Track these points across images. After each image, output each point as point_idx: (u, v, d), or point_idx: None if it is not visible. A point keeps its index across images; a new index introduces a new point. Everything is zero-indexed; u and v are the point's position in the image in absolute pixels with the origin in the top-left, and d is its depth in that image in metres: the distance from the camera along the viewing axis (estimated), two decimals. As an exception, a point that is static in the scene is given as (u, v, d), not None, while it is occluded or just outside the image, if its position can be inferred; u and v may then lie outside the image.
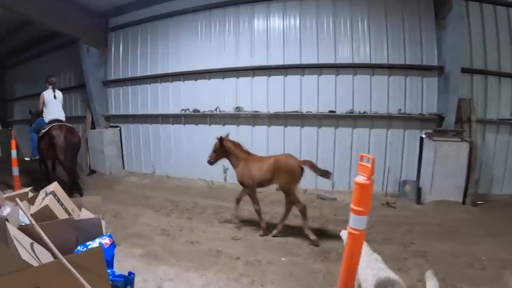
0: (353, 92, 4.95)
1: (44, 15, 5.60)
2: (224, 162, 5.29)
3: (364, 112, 4.88)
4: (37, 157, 5.04)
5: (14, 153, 5.56)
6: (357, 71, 4.93)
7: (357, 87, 4.95)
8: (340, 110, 4.97)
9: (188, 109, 5.93)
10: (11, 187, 5.11)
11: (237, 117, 5.44)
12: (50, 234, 1.63)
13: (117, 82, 6.94)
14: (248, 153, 3.62)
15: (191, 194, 5.08)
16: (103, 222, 2.24)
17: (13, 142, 5.62)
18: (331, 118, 5.00)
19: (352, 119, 4.96)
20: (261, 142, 5.29)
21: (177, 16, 5.97)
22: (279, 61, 5.14)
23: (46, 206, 2.10)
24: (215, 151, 3.69)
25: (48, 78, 5.09)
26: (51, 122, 4.72)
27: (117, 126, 7.05)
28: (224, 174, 5.55)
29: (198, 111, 5.80)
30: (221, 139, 3.59)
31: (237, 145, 3.64)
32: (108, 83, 7.07)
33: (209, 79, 5.67)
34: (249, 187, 3.45)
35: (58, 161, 4.74)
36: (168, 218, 4.04)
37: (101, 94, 7.04)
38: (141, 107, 6.64)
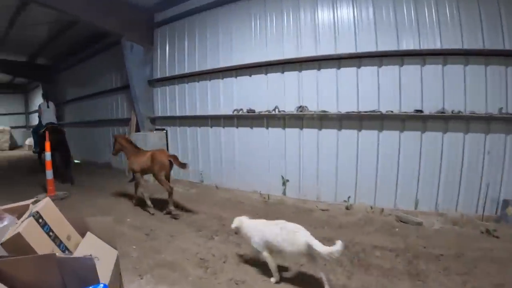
0: (443, 86, 4.50)
1: (85, 11, 6.38)
2: (283, 171, 5.50)
3: (459, 112, 4.41)
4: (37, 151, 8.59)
5: (48, 155, 6.41)
6: (447, 59, 4.49)
7: (447, 80, 4.50)
8: (428, 109, 4.58)
9: (241, 109, 6.10)
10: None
11: (300, 119, 5.38)
12: (21, 274, 1.43)
13: (163, 81, 7.52)
14: (137, 148, 5.60)
15: (242, 211, 4.98)
16: (99, 263, 1.81)
17: (47, 144, 6.44)
18: (416, 120, 4.61)
19: (443, 120, 4.52)
20: (329, 150, 5.12)
21: (227, 4, 6.21)
22: (350, 49, 4.92)
23: (18, 235, 1.78)
24: (114, 146, 5.77)
25: (43, 95, 8.97)
26: (47, 124, 7.65)
27: (163, 129, 7.58)
28: (283, 186, 5.53)
29: (253, 111, 5.92)
30: (115, 138, 5.77)
31: (129, 141, 5.71)
32: (154, 82, 7.69)
33: (266, 74, 5.75)
34: (136, 173, 5.32)
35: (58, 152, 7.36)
36: (211, 242, 3.89)
37: (146, 94, 7.67)
38: (188, 108, 7.07)
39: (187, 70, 6.96)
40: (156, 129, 7.73)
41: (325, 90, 5.10)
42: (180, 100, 7.25)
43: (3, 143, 17.53)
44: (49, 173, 6.17)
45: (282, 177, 5.47)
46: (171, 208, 4.84)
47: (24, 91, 20.54)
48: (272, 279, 2.88)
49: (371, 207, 4.61)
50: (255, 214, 4.77)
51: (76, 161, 10.49)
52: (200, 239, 3.96)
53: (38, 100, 14.80)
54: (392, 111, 4.66)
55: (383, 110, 4.71)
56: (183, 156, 7.17)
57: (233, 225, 3.20)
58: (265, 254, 2.89)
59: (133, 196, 5.56)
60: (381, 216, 4.50)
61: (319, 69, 5.14)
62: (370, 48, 4.77)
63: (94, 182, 7.52)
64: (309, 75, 5.24)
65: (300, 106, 5.36)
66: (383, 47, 4.70)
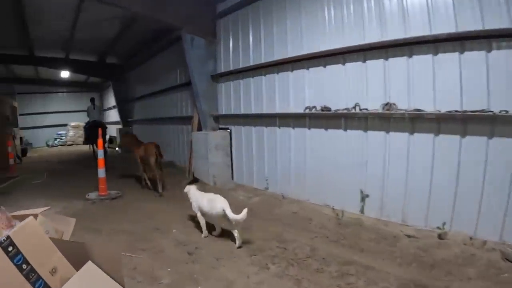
0: None
1: (140, 4, 6.96)
2: (362, 184, 5.07)
3: None
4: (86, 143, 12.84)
5: (100, 153, 7.25)
6: None
7: None
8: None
9: (314, 106, 5.85)
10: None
11: (387, 119, 4.85)
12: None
13: (227, 75, 7.76)
14: (139, 142, 8.01)
15: (309, 231, 4.79)
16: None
17: (100, 142, 7.28)
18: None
19: None
20: (422, 160, 4.45)
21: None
22: (448, 28, 4.23)
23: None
24: (121, 141, 8.66)
25: (91, 100, 12.92)
26: (93, 121, 11.81)
27: (227, 128, 7.77)
28: (361, 203, 5.11)
29: (329, 109, 5.60)
30: (122, 135, 9.18)
31: (133, 137, 8.32)
32: (217, 77, 8.00)
33: (344, 64, 5.38)
34: (139, 161, 7.73)
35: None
36: (265, 273, 3.58)
37: (209, 91, 8.03)
38: (254, 105, 7.14)
39: (252, 62, 7.04)
40: (220, 128, 7.94)
41: (419, 82, 4.48)
42: (245, 96, 7.37)
43: (78, 138, 21.41)
44: (101, 171, 6.97)
45: (361, 191, 5.07)
46: (160, 191, 7.22)
47: (98, 90, 24.38)
48: (202, 235, 4.62)
49: (471, 238, 3.94)
50: (324, 237, 4.52)
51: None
52: (251, 268, 3.71)
53: (111, 98, 18.65)
54: (507, 111, 3.86)
55: (495, 109, 3.93)
56: (247, 159, 7.36)
57: (185, 190, 5.01)
58: (199, 215, 4.66)
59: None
60: (483, 251, 3.77)
61: (410, 55, 4.54)
62: (476, 26, 4.03)
63: (151, 181, 8.11)
64: (397, 63, 4.68)
65: (387, 103, 4.83)
66: (492, 24, 3.93)
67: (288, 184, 6.42)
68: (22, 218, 2.06)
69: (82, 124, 20.26)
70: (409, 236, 4.25)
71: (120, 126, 17.33)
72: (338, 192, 5.42)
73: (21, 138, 16.74)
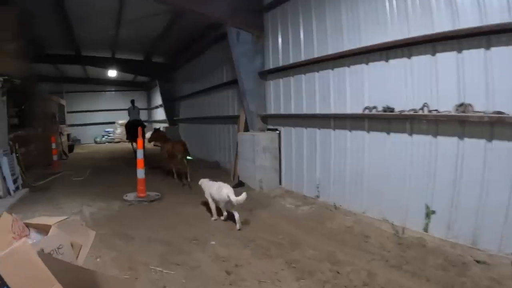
0: None
1: None
2: (428, 198, 4.70)
3: None
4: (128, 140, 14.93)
5: (140, 153, 7.46)
6: None
7: None
8: None
9: (375, 107, 5.57)
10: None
11: (461, 123, 4.43)
12: None
13: (276, 72, 7.73)
14: (167, 139, 9.67)
15: (366, 252, 4.44)
16: None
17: (139, 142, 7.49)
18: None
19: None
20: (501, 174, 3.98)
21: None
22: None
23: None
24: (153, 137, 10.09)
25: (131, 101, 15.19)
26: (133, 120, 14.09)
27: (275, 130, 7.70)
28: (425, 220, 4.74)
29: (392, 110, 5.27)
30: (154, 130, 10.50)
31: (163, 134, 10.18)
32: (266, 74, 8.00)
33: (410, 57, 5.04)
34: (166, 156, 9.05)
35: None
36: None
37: (257, 89, 8.07)
38: (306, 104, 7.03)
39: (304, 58, 6.92)
40: (268, 129, 7.88)
41: (500, 80, 4.06)
42: (296, 95, 7.28)
43: (125, 135, 22.51)
44: (140, 172, 7.25)
45: (426, 206, 4.71)
46: (186, 181, 8.58)
47: (146, 89, 26.57)
48: (212, 218, 5.90)
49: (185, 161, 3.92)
50: (383, 260, 4.19)
51: (188, 157, 12.19)
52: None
53: (158, 97, 20.00)
54: None
55: None
56: (297, 164, 7.32)
57: (199, 183, 6.34)
58: (210, 201, 5.89)
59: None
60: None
61: (487, 47, 4.13)
62: None
63: (194, 182, 8.15)
64: (473, 56, 4.26)
65: (461, 104, 4.40)
66: None
67: (341, 193, 6.20)
68: (37, 227, 2.03)
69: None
70: (479, 262, 3.86)
71: (166, 125, 18.18)
72: (399, 206, 5.10)
73: (68, 135, 18.31)
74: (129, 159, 13.12)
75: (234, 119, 9.58)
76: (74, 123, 23.42)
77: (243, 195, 5.20)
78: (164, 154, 9.37)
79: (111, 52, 15.39)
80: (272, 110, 7.95)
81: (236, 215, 5.34)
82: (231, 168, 9.25)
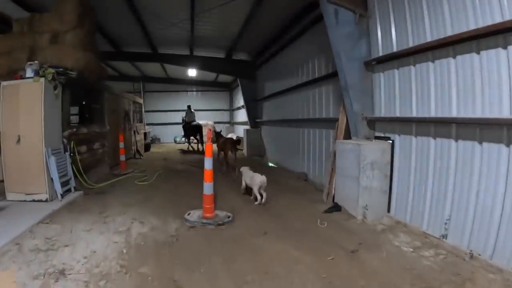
0: None
1: None
2: None
3: None
4: (186, 141, 20.41)
5: (209, 163, 5.91)
6: None
7: None
8: None
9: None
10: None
11: None
12: None
13: (389, 61, 6.01)
14: (220, 136, 12.53)
15: None
16: None
17: (207, 147, 5.96)
18: None
19: None
20: None
21: None
22: None
23: None
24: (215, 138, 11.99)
25: (188, 106, 20.05)
26: (189, 122, 18.99)
27: (387, 138, 6.06)
28: None
29: None
30: (216, 135, 12.46)
31: (220, 135, 12.73)
32: (373, 65, 6.34)
33: None
34: (218, 150, 11.35)
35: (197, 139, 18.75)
36: None
37: (362, 83, 6.39)
38: (435, 104, 5.14)
39: (430, 38, 5.07)
40: (376, 138, 6.18)
41: None
42: (418, 91, 5.44)
43: (204, 137, 23.44)
44: (208, 187, 5.87)
45: None
46: (234, 175, 9.65)
47: (228, 89, 26.92)
48: (256, 203, 7.00)
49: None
50: None
51: (271, 164, 13.23)
52: None
53: (240, 97, 20.45)
54: None
55: None
56: (417, 186, 5.55)
57: (241, 169, 7.80)
58: (243, 184, 7.53)
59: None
60: None
61: None
62: None
63: (277, 199, 7.25)
64: None
65: None
66: None
67: (485, 237, 4.24)
68: None
69: (211, 123, 23.54)
70: None
71: (247, 127, 17.42)
72: None
73: (145, 134, 18.75)
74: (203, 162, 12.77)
75: (329, 123, 8.07)
76: (155, 122, 25.09)
77: (264, 177, 6.96)
78: (217, 149, 11.24)
79: (189, 49, 15.17)
80: (382, 112, 6.18)
81: (264, 195, 6.97)
82: (324, 185, 7.56)
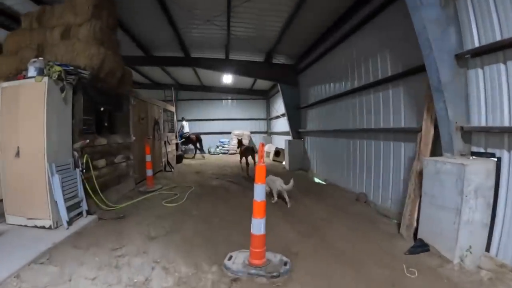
0: None
1: None
2: None
3: None
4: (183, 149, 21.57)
5: (260, 192, 4.46)
6: None
7: None
8: None
9: None
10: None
11: None
12: None
13: (490, 53, 4.66)
14: (242, 145, 13.75)
15: None
16: None
17: (257, 171, 4.53)
18: None
19: None
20: None
21: None
22: None
23: None
24: (238, 147, 13.95)
25: (182, 118, 22.27)
26: (185, 133, 20.90)
27: (490, 155, 4.66)
28: None
29: None
30: (239, 144, 13.91)
31: (242, 143, 14.12)
32: (466, 59, 4.98)
33: None
34: (242, 157, 13.02)
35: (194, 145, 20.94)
36: None
37: (453, 82, 4.97)
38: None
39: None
40: (473, 153, 4.79)
41: None
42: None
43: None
44: (258, 224, 4.39)
45: None
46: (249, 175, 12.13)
47: (265, 97, 25.80)
48: (273, 200, 8.07)
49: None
50: None
51: (317, 180, 12.07)
52: None
53: (278, 106, 19.96)
54: None
55: None
56: None
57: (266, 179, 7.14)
58: (266, 188, 6.41)
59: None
60: None
61: None
62: None
63: (337, 227, 6.17)
64: None
65: None
66: None
67: None
68: None
69: (247, 133, 23.43)
70: None
71: (289, 138, 15.98)
72: None
73: (176, 144, 18.08)
74: (242, 178, 12.31)
75: (399, 134, 6.78)
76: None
77: (291, 183, 7.74)
78: (241, 155, 12.98)
79: (225, 52, 14.25)
80: (482, 120, 4.73)
81: (286, 198, 7.90)
82: (404, 216, 5.75)
